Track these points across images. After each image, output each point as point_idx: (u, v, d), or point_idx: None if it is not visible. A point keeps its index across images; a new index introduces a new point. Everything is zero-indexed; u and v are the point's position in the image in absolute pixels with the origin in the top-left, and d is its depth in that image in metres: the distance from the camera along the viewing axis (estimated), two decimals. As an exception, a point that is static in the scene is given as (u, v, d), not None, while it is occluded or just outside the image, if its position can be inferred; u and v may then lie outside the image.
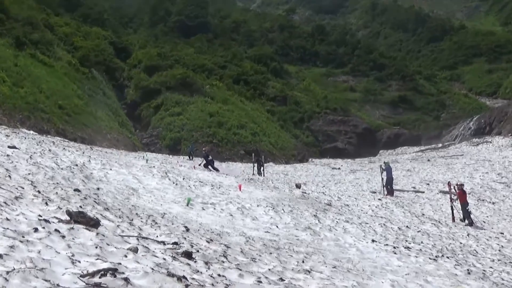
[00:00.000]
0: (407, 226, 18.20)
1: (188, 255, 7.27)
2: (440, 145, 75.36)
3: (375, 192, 30.91)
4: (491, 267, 12.72)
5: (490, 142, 61.26)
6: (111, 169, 17.80)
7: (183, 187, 18.16)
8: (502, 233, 19.70)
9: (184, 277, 5.67)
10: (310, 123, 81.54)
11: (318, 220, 16.13)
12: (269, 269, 7.86)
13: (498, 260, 13.97)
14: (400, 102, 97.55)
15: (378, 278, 9.13)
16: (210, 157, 36.38)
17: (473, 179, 36.00)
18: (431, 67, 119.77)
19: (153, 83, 68.44)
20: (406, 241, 14.99)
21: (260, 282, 6.68)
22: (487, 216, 24.19)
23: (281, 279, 7.29)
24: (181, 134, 56.72)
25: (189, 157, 45.45)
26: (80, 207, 9.27)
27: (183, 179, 20.93)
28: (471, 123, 76.80)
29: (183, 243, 8.34)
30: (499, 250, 15.68)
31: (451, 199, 22.55)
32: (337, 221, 16.75)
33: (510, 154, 47.70)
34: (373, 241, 13.88)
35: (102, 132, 43.85)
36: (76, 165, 16.02)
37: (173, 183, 18.64)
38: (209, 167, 34.45)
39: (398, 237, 15.45)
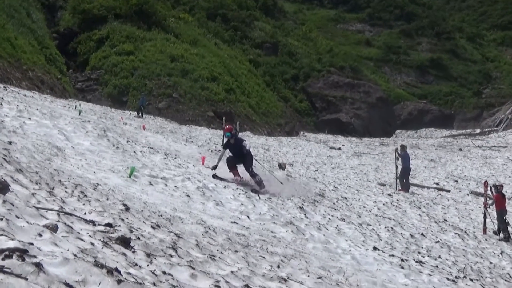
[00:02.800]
0: (422, 234, 18.40)
1: (124, 242, 7.28)
2: (478, 130, 76.01)
3: (384, 185, 31.16)
4: (527, 298, 12.95)
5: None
6: (29, 119, 17.69)
7: (126, 153, 18.14)
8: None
9: (116, 269, 5.69)
10: (306, 84, 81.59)
11: (305, 214, 16.23)
12: (232, 272, 7.89)
13: (538, 289, 14.22)
14: (431, 67, 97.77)
15: (377, 297, 9.26)
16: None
17: (517, 180, 36.44)
18: (477, 24, 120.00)
19: (98, 8, 67.71)
20: (419, 253, 15.17)
21: (219, 287, 6.70)
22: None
23: (247, 286, 7.30)
24: (129, 81, 56.45)
25: (138, 113, 45.35)
26: (-16, 164, 9.25)
27: (127, 141, 20.90)
28: (523, 105, 77.55)
29: (119, 225, 8.34)
30: (541, 277, 15.94)
31: (486, 204, 22.79)
32: (329, 218, 16.88)
33: None
34: (375, 248, 14.02)
35: (21, 67, 43.37)
36: (-18, 108, 15.93)
37: (113, 145, 18.60)
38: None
39: (408, 247, 15.62)
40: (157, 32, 66.18)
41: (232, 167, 19.76)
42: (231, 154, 20.11)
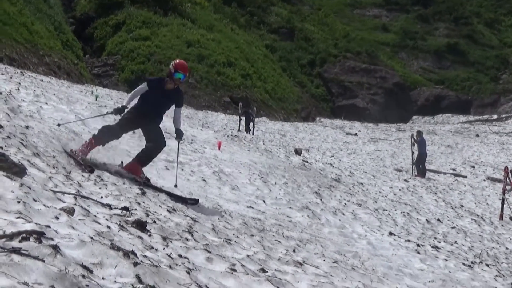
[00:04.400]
0: (438, 220, 18.35)
1: (141, 225, 7.31)
2: (495, 116, 75.60)
3: (400, 171, 31.10)
4: (544, 284, 12.88)
5: None
6: (46, 104, 17.74)
7: (142, 137, 18.16)
8: None
9: (133, 252, 5.71)
10: (322, 69, 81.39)
11: (321, 199, 16.24)
12: (248, 256, 7.91)
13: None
14: (448, 53, 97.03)
15: (392, 282, 9.22)
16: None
17: (535, 166, 36.22)
18: (495, 9, 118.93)
19: (114, -7, 67.83)
20: (435, 238, 15.13)
21: (234, 270, 6.71)
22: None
23: (263, 270, 7.32)
24: (146, 66, 56.50)
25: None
26: (1, 148, 9.28)
27: (144, 126, 20.93)
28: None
29: (135, 209, 8.38)
30: (558, 263, 15.87)
31: (504, 190, 22.68)
32: (345, 203, 16.88)
33: None
34: (390, 234, 14.01)
35: (38, 53, 43.47)
36: (0, 93, 15.97)
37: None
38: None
39: (424, 233, 15.60)
40: (174, 18, 66.18)
41: (108, 138, 11.82)
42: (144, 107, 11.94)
